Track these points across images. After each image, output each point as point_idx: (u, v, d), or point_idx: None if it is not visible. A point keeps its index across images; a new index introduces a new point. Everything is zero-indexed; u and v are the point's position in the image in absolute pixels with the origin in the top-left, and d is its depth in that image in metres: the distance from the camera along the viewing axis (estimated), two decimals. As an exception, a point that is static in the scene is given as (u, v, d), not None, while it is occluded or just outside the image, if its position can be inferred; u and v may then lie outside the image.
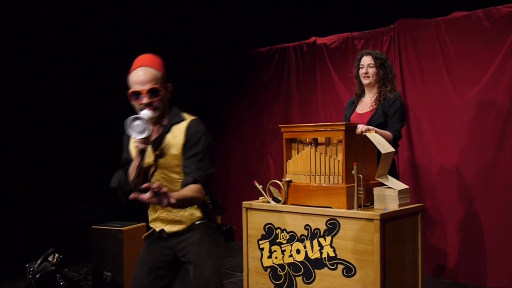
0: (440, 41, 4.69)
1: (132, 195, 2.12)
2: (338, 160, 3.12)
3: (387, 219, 2.97)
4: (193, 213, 2.57)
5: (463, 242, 4.53)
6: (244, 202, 3.56)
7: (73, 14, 5.84)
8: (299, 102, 5.89)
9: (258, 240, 3.46)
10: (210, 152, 2.52)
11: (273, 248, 3.38)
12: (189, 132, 2.48)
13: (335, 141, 3.18)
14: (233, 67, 6.60)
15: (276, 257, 3.37)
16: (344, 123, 3.19)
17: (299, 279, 3.26)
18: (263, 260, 3.43)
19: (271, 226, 3.39)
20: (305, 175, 3.27)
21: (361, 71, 3.86)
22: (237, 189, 6.41)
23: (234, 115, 6.65)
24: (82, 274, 4.76)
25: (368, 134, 3.27)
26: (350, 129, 3.19)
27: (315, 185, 3.20)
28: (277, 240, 3.36)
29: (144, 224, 4.65)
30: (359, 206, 3.05)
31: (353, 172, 3.02)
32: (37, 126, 6.09)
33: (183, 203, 2.37)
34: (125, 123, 2.29)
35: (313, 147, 3.24)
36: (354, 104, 4.00)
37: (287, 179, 3.35)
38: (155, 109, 2.44)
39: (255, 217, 3.48)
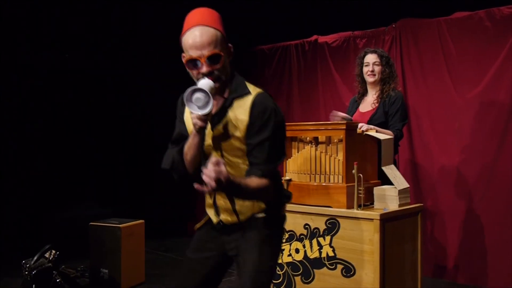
0: (441, 41, 4.67)
1: (196, 186, 1.82)
2: (339, 159, 3.10)
3: (387, 219, 2.96)
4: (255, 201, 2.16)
5: (463, 242, 4.52)
6: (243, 201, 3.54)
7: (72, 11, 5.84)
8: (300, 100, 5.87)
9: (257, 238, 3.44)
10: (281, 135, 2.11)
11: (272, 247, 3.36)
12: (255, 111, 2.03)
13: (335, 140, 3.16)
14: (234, 64, 6.57)
15: (275, 256, 3.35)
16: (345, 122, 3.16)
17: (297, 279, 3.24)
18: (261, 259, 3.41)
19: (270, 224, 3.37)
20: (305, 174, 3.25)
21: (366, 69, 3.83)
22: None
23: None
24: (79, 271, 4.74)
25: (383, 140, 3.26)
26: (351, 128, 3.17)
27: (315, 184, 3.18)
28: (276, 239, 3.34)
29: (143, 221, 4.64)
30: (359, 206, 3.03)
31: (353, 171, 3.01)
32: (37, 122, 6.07)
33: (240, 192, 1.99)
34: (184, 96, 1.93)
35: (314, 146, 3.22)
36: (357, 103, 3.98)
37: (287, 177, 3.34)
38: (216, 79, 2.02)
39: (254, 215, 3.46)
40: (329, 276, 3.09)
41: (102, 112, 6.57)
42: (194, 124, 1.99)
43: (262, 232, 2.14)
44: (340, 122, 3.20)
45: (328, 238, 3.10)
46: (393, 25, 5.01)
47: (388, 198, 3.11)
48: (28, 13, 5.69)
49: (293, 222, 3.26)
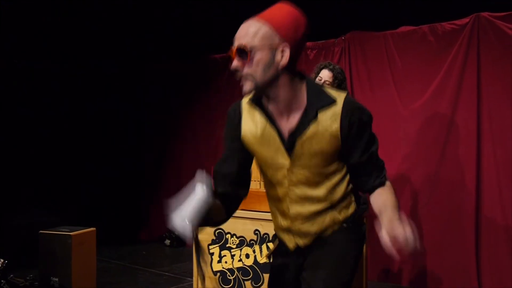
0: (388, 54, 4.86)
1: None
2: (288, 167, 3.20)
3: (333, 225, 3.06)
4: (335, 217, 1.94)
5: (406, 247, 4.69)
6: (195, 207, 3.59)
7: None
8: (252, 109, 5.96)
9: (208, 245, 3.50)
10: (373, 134, 1.90)
11: (223, 252, 3.43)
12: (349, 120, 1.79)
13: (285, 148, 3.26)
14: (187, 72, 6.63)
15: (226, 262, 3.42)
16: (294, 130, 3.26)
17: (248, 283, 3.32)
18: (213, 264, 3.47)
19: (221, 231, 3.44)
20: (255, 180, 3.32)
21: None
22: (190, 194, 6.40)
23: (188, 120, 6.66)
24: (28, 280, 4.65)
25: None
26: (300, 136, 3.28)
27: (265, 190, 3.27)
28: (227, 245, 3.41)
29: (94, 229, 4.61)
30: (307, 212, 3.13)
31: (301, 178, 3.11)
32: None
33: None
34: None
35: (264, 153, 3.31)
36: None
37: (238, 184, 3.41)
38: (244, 78, 1.75)
39: (206, 222, 3.52)
40: (278, 280, 3.17)
41: (51, 117, 6.47)
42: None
43: (343, 246, 1.94)
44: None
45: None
46: (343, 37, 5.18)
47: (335, 204, 3.23)
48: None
49: (243, 228, 3.34)
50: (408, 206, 4.72)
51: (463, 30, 4.43)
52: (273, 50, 1.73)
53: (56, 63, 6.43)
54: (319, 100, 1.79)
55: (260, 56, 1.72)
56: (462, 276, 4.34)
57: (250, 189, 3.31)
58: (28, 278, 4.67)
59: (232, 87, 6.17)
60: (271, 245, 3.21)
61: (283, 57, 1.74)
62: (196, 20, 6.14)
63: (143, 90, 7.03)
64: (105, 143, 6.92)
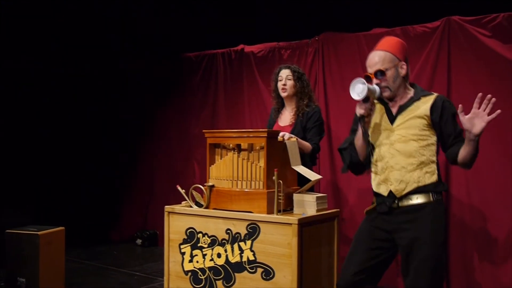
0: (361, 55, 4.89)
1: None
2: (260, 166, 3.20)
3: (305, 224, 3.08)
4: (420, 176, 2.79)
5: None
6: (166, 207, 3.57)
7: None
8: (225, 108, 5.95)
9: (180, 244, 3.48)
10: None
11: (195, 252, 3.41)
12: (439, 107, 2.71)
13: (257, 148, 3.26)
14: (160, 71, 6.57)
15: (197, 261, 3.40)
16: (266, 130, 3.27)
17: (219, 283, 3.31)
18: (184, 264, 3.45)
19: (193, 230, 3.42)
20: (227, 180, 3.33)
21: (280, 84, 4.00)
22: (163, 193, 6.37)
23: (161, 119, 6.61)
24: (-6, 281, 4.57)
25: (288, 142, 3.38)
26: (272, 136, 3.28)
27: (237, 190, 3.27)
28: (199, 244, 3.39)
29: (63, 228, 4.53)
30: (278, 211, 3.14)
31: (273, 178, 3.11)
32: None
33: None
34: (351, 84, 2.69)
35: (236, 152, 3.31)
36: (277, 114, 4.11)
37: (210, 183, 3.40)
38: (384, 88, 2.68)
39: (177, 221, 3.50)
40: (250, 279, 3.17)
41: (21, 117, 6.34)
42: (357, 112, 2.72)
43: (430, 224, 2.69)
44: (261, 130, 3.30)
45: (249, 242, 3.19)
46: (316, 38, 5.20)
47: (307, 203, 3.24)
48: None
49: (215, 227, 3.33)
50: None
51: (434, 33, 4.49)
52: (396, 67, 2.71)
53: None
54: (421, 92, 2.76)
55: (391, 73, 2.69)
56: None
57: (222, 189, 3.33)
58: (-6, 278, 4.58)
59: (205, 86, 6.16)
60: (242, 244, 3.21)
61: (403, 69, 2.73)
62: (169, 18, 6.10)
63: (115, 89, 6.95)
64: (76, 142, 6.82)
